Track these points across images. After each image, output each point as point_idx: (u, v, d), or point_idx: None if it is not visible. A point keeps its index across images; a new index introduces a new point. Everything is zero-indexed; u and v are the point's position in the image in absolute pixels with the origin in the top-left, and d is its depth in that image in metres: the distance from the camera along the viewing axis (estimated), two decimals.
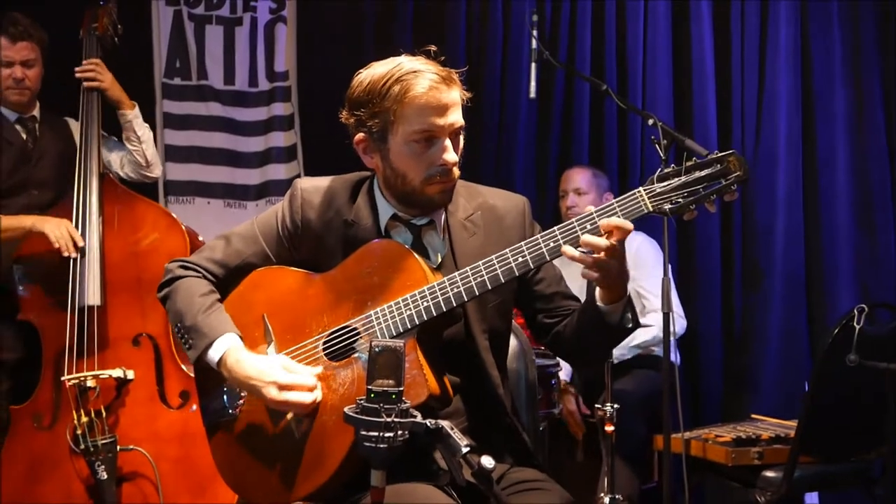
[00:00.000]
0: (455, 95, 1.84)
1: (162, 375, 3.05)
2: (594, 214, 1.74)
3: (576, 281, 4.00)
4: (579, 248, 1.73)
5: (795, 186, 4.11)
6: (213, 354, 1.87)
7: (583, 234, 1.73)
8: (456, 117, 1.84)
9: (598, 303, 1.84)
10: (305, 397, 1.79)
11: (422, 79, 1.80)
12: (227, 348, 1.86)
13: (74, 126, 3.32)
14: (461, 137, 1.89)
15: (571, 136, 4.34)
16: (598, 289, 1.83)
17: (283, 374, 1.80)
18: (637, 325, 1.90)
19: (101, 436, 2.94)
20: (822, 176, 4.12)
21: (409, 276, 1.80)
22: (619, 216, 1.72)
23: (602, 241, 1.71)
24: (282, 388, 1.79)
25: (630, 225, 1.72)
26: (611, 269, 1.75)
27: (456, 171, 1.88)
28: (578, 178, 3.93)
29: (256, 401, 1.87)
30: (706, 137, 4.10)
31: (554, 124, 4.35)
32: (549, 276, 2.01)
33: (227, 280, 1.98)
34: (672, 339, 2.80)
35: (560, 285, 2.02)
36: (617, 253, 1.73)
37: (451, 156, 1.84)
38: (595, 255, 1.72)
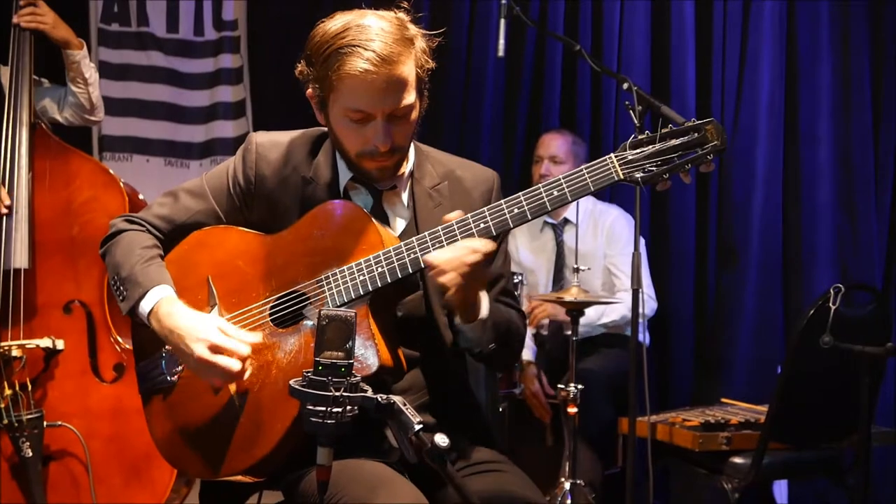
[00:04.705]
0: (399, 75, 1.78)
1: (95, 346, 3.00)
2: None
3: (543, 265, 4.03)
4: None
5: (775, 162, 4.16)
6: (146, 305, 1.84)
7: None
8: (394, 101, 1.79)
9: (456, 320, 1.87)
10: (234, 364, 1.76)
11: (358, 58, 1.74)
12: (161, 298, 1.84)
13: None
14: (411, 116, 1.84)
15: (541, 99, 4.35)
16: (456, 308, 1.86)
17: (216, 334, 1.77)
18: (513, 358, 1.95)
19: (27, 410, 2.89)
20: (803, 152, 4.15)
21: (365, 240, 1.80)
22: (589, 185, 1.74)
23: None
24: (212, 348, 1.76)
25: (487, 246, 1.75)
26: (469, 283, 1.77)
27: (394, 155, 1.86)
28: (556, 144, 3.93)
29: None
30: (683, 105, 4.13)
31: (523, 86, 4.35)
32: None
33: (173, 237, 1.97)
34: (641, 319, 2.83)
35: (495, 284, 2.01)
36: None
37: (382, 141, 1.81)
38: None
